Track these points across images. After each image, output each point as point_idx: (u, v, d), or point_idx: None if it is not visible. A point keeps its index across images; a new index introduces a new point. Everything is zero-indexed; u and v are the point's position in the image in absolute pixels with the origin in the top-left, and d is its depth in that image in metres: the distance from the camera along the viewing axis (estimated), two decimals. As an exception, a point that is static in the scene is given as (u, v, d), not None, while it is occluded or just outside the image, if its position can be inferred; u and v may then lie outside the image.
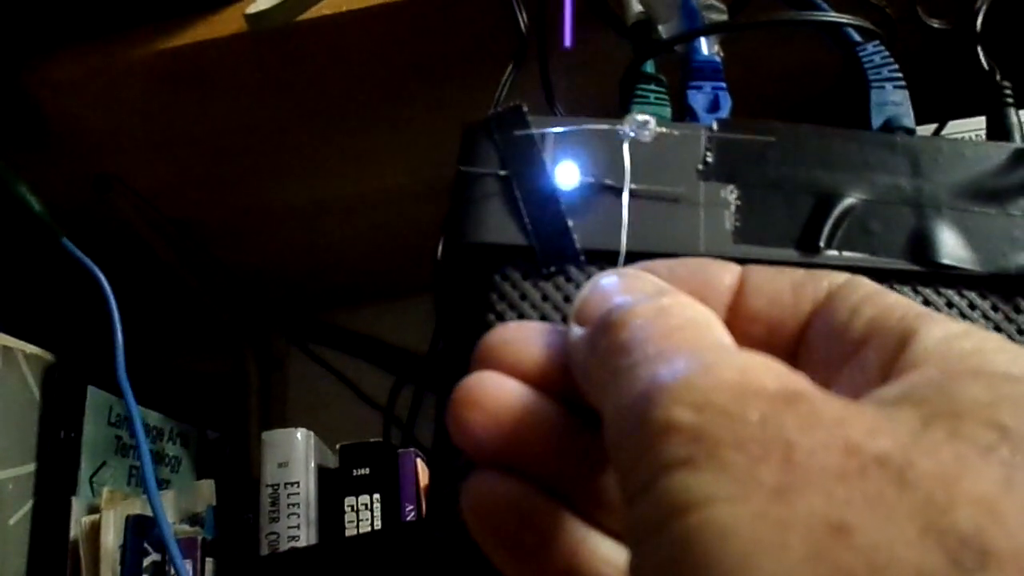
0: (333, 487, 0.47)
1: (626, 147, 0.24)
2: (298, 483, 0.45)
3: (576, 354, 0.17)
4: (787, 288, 0.17)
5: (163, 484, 0.55)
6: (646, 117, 0.24)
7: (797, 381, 0.13)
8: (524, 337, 0.18)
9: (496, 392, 0.17)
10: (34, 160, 0.51)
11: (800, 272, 0.17)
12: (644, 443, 0.13)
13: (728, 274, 0.17)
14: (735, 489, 0.11)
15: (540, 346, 0.18)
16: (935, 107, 0.32)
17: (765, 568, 0.11)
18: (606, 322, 0.16)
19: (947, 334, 0.14)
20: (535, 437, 0.17)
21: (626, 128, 0.24)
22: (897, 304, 0.15)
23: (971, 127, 0.36)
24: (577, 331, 0.17)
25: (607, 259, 0.25)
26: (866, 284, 0.16)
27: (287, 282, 0.73)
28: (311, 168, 0.57)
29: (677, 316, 0.15)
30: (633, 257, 0.25)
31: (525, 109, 0.27)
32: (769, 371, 0.13)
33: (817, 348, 0.16)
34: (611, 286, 0.17)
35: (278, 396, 0.74)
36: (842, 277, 0.16)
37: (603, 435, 0.15)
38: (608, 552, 0.17)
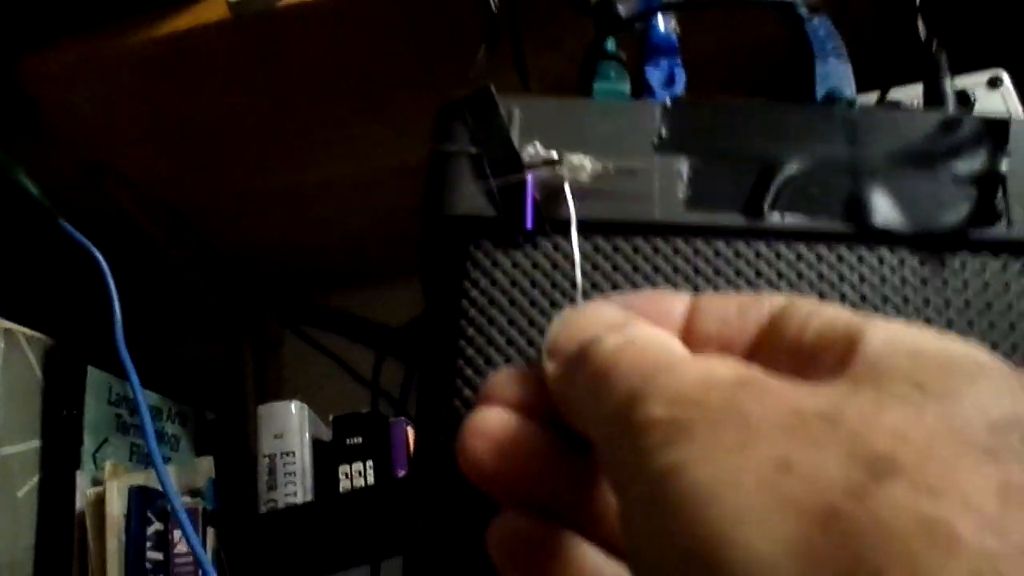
0: (327, 456, 0.49)
1: (567, 187, 0.26)
2: (294, 453, 0.48)
3: (555, 387, 0.19)
4: (734, 311, 0.18)
5: (164, 461, 0.57)
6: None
7: (750, 370, 0.16)
8: (519, 375, 0.20)
9: (494, 423, 0.19)
10: (29, 150, 0.52)
11: (746, 297, 0.19)
12: (629, 441, 0.15)
13: (679, 303, 0.19)
14: (704, 453, 0.14)
15: (533, 382, 0.20)
16: (882, 73, 0.34)
17: (725, 501, 0.13)
18: (581, 357, 0.18)
19: (890, 335, 0.15)
20: (532, 459, 0.19)
21: (565, 171, 0.26)
22: (839, 314, 0.17)
23: (914, 94, 0.38)
24: (551, 366, 0.19)
25: (570, 226, 0.26)
26: (807, 302, 0.18)
27: (280, 266, 0.74)
28: (301, 152, 0.59)
29: (642, 340, 0.18)
30: (596, 226, 0.27)
31: (493, 89, 0.29)
32: (726, 366, 0.16)
33: (770, 361, 0.17)
34: (577, 323, 0.19)
35: (273, 378, 0.76)
36: (783, 299, 0.18)
37: (594, 451, 0.17)
38: (609, 568, 0.19)
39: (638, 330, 0.18)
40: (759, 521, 0.13)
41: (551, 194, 0.27)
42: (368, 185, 0.63)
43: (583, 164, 0.26)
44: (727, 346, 0.18)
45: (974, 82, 0.42)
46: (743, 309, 0.18)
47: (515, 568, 0.19)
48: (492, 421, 0.19)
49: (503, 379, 0.21)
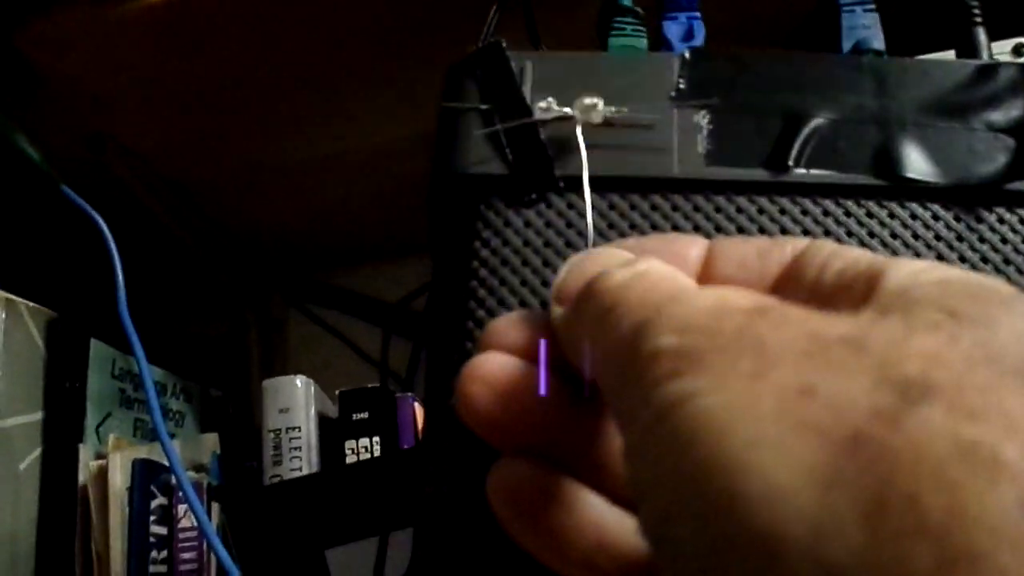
0: (333, 432, 0.48)
1: (579, 130, 0.25)
2: (299, 428, 0.47)
3: (561, 329, 0.18)
4: (753, 254, 0.18)
5: (168, 437, 0.56)
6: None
7: (766, 298, 0.15)
8: (522, 319, 0.20)
9: (495, 367, 0.19)
10: (30, 120, 0.51)
11: (765, 239, 0.18)
12: (636, 374, 0.14)
13: (696, 247, 0.19)
14: (716, 381, 0.13)
15: (537, 326, 0.19)
16: (904, 42, 0.33)
17: (739, 430, 0.12)
18: (587, 292, 0.17)
19: (914, 269, 0.15)
20: (532, 404, 0.18)
21: (576, 113, 0.25)
22: (862, 254, 0.16)
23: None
24: (559, 310, 0.18)
25: (582, 175, 0.25)
26: (829, 243, 0.17)
27: (285, 243, 0.73)
28: (304, 125, 0.58)
29: (653, 275, 0.17)
30: (612, 182, 0.26)
31: (504, 45, 0.28)
32: (742, 295, 0.15)
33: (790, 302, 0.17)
34: (586, 264, 0.19)
35: (279, 357, 0.76)
36: (804, 241, 0.18)
37: (600, 392, 0.16)
38: (612, 516, 0.18)
39: (647, 264, 0.17)
40: (778, 448, 0.12)
41: (564, 148, 0.26)
42: (372, 160, 0.62)
43: (595, 104, 0.25)
44: None
45: (998, 49, 0.41)
46: (762, 252, 0.18)
47: (516, 515, 0.19)
48: (492, 365, 0.19)
49: (503, 324, 0.20)
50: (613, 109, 0.25)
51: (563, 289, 0.19)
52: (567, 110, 0.26)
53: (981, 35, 0.28)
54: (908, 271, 0.15)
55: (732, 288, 0.16)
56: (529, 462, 0.18)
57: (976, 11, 0.28)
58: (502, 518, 0.19)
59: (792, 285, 0.17)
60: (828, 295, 0.16)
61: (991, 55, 0.28)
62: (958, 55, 0.28)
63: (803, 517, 0.11)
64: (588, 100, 0.25)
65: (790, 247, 0.17)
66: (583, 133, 0.25)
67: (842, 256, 0.16)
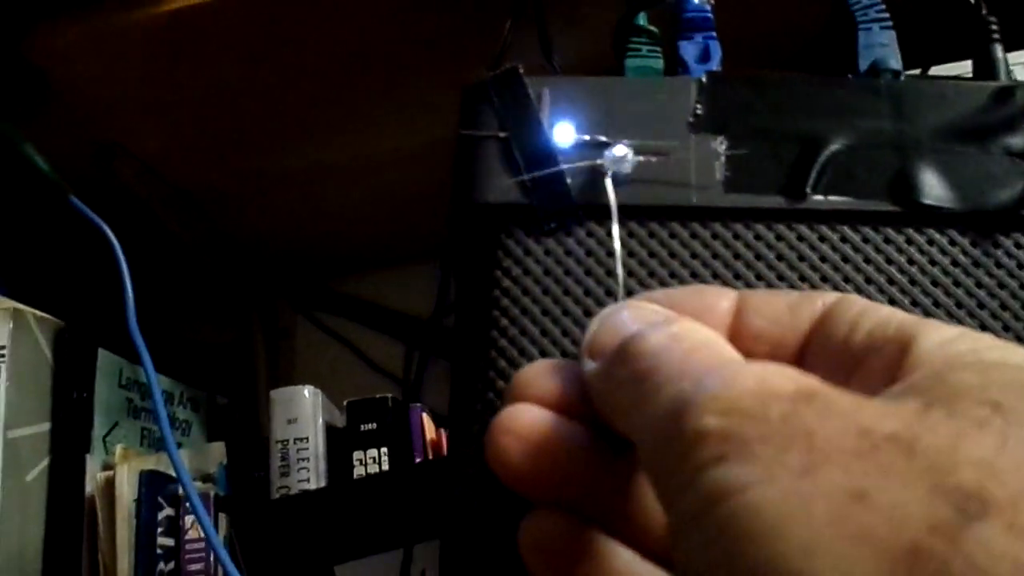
0: (341, 442, 0.48)
1: (609, 182, 0.25)
2: (307, 439, 0.47)
3: (595, 386, 0.18)
4: (784, 308, 0.18)
5: (175, 446, 0.56)
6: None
7: (811, 381, 0.15)
8: (552, 371, 0.20)
9: (527, 420, 0.19)
10: (38, 129, 0.51)
11: (795, 293, 0.18)
12: (680, 451, 0.14)
13: (726, 299, 0.19)
14: (765, 474, 0.13)
15: (567, 378, 0.19)
16: (920, 51, 0.33)
17: (793, 534, 0.12)
18: (623, 353, 0.17)
19: (943, 338, 0.15)
20: (564, 458, 0.18)
21: (606, 163, 0.25)
22: (892, 315, 0.16)
23: (955, 72, 0.36)
24: (591, 364, 0.18)
25: (605, 213, 0.25)
26: (859, 300, 0.17)
27: (292, 250, 0.73)
28: (312, 131, 0.58)
29: (689, 339, 0.17)
30: (630, 211, 0.26)
31: (521, 70, 0.28)
32: (785, 375, 0.15)
33: (819, 362, 0.17)
34: (619, 319, 0.18)
35: (286, 364, 0.75)
36: (834, 295, 0.18)
37: (636, 454, 0.16)
38: (643, 571, 0.18)
39: (683, 327, 0.17)
40: (834, 557, 0.12)
41: (586, 179, 0.26)
42: (379, 168, 0.62)
43: (625, 155, 0.25)
44: (777, 345, 0.18)
45: (1013, 61, 0.41)
46: (793, 306, 0.18)
47: (546, 568, 0.19)
48: (523, 418, 0.19)
49: (534, 374, 0.20)
50: (642, 158, 0.25)
51: (595, 344, 0.18)
52: (585, 137, 0.26)
53: (999, 51, 0.27)
54: (937, 340, 0.15)
55: (773, 365, 0.15)
56: (560, 515, 0.18)
57: (994, 27, 0.28)
58: (532, 570, 0.19)
59: (823, 340, 0.17)
60: (858, 354, 0.16)
61: (1008, 70, 0.28)
62: (975, 71, 0.28)
63: None
64: (619, 151, 0.25)
65: (820, 302, 0.17)
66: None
67: (871, 316, 0.16)
